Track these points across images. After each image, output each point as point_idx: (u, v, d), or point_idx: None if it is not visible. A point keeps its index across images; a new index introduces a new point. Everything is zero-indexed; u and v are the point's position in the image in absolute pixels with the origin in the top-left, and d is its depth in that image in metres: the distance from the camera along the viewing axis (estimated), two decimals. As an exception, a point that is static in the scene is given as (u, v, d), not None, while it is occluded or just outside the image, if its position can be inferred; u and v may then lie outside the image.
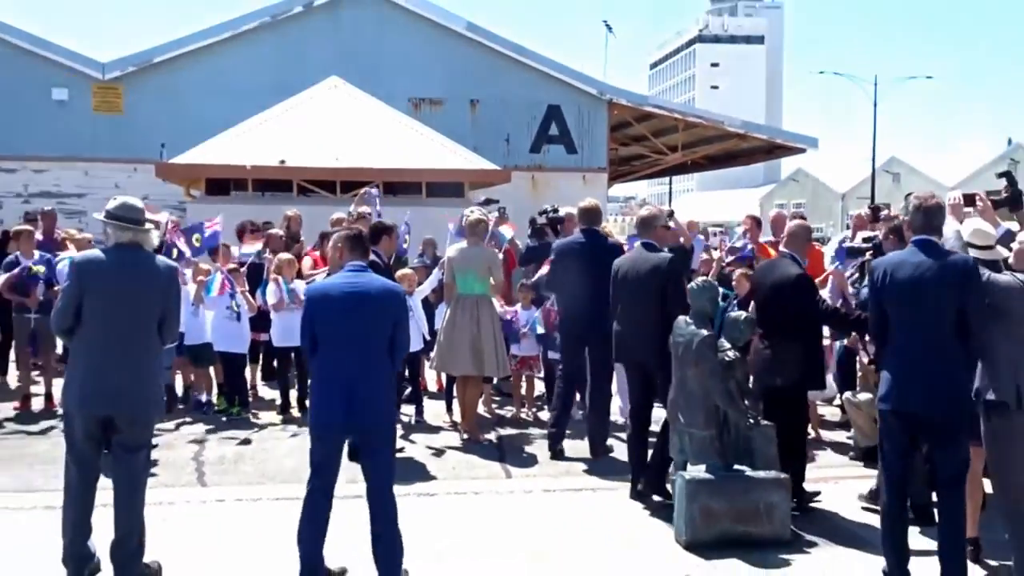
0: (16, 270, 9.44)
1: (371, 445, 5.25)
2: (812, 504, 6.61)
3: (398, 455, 7.73)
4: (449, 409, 9.48)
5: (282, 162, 16.57)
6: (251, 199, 16.64)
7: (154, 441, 8.30)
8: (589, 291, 7.65)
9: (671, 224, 8.73)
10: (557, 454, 8.02)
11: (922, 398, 5.02)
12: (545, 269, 9.01)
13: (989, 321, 5.02)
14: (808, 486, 6.64)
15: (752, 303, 7.39)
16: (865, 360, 7.97)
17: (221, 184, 17.21)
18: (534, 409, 9.78)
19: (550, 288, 8.85)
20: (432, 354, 9.04)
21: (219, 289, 9.36)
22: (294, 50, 23.96)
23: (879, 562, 5.33)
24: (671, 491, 6.36)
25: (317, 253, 10.25)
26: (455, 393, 9.18)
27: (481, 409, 9.52)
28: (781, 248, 7.29)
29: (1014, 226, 6.56)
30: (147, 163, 19.40)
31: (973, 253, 5.29)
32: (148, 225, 5.38)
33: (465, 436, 8.71)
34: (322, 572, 5.14)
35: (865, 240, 8.59)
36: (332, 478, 5.18)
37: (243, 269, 9.93)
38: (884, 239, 7.56)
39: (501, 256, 9.38)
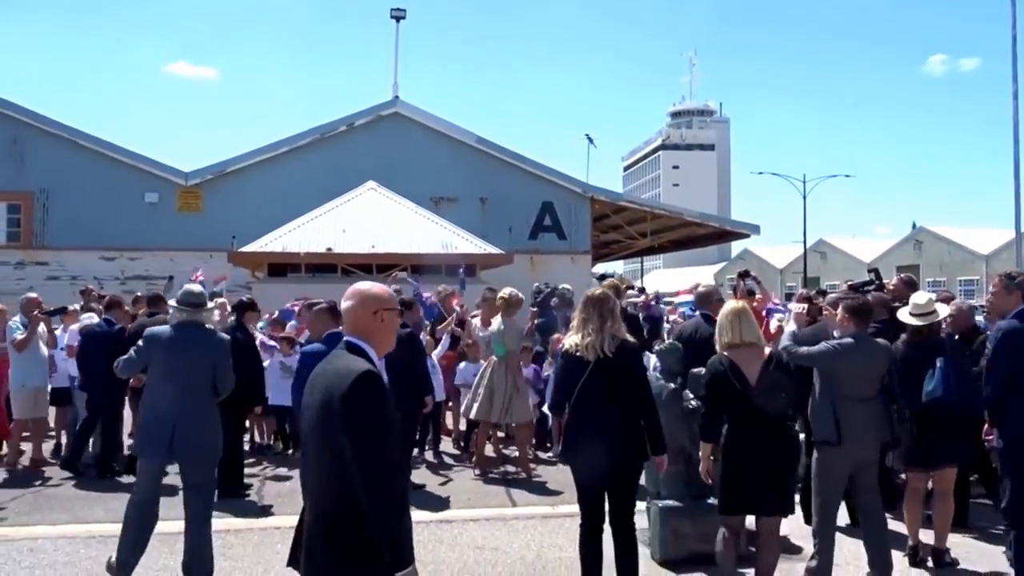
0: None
1: None
2: None
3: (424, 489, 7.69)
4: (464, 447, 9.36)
5: (329, 249, 16.68)
6: (304, 280, 16.71)
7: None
8: None
9: (750, 282, 8.59)
10: None
11: None
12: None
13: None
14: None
15: None
16: None
17: (280, 268, 17.31)
18: (534, 449, 9.67)
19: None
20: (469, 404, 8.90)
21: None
22: (339, 160, 24.29)
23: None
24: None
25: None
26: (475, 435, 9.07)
27: (489, 450, 9.40)
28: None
29: None
30: (221, 251, 19.55)
31: (914, 321, 5.70)
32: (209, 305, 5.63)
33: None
34: None
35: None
36: None
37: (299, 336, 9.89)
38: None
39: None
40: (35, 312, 8.82)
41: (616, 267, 45.09)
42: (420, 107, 26.53)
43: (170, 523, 6.78)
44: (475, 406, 8.66)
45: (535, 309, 10.32)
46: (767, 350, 4.98)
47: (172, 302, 5.68)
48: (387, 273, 15.16)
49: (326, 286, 13.74)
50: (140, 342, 5.54)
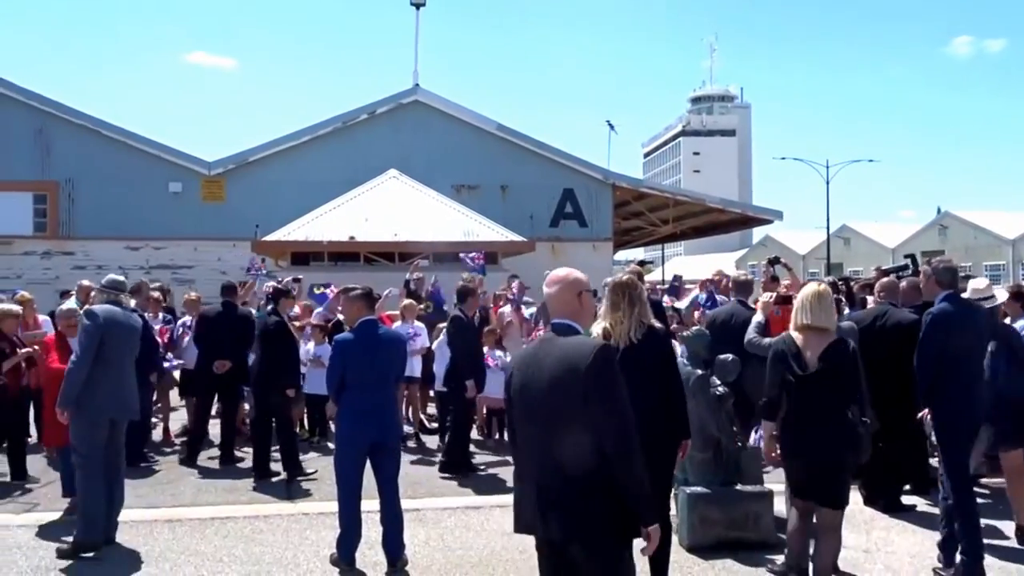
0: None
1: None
2: None
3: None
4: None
5: (351, 238, 16.72)
6: (326, 268, 16.78)
7: (249, 466, 8.41)
8: None
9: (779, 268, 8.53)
10: None
11: None
12: None
13: None
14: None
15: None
16: None
17: (303, 256, 17.38)
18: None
19: None
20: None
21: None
22: (360, 149, 24.31)
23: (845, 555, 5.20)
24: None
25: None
26: None
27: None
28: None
29: None
30: (244, 241, 19.65)
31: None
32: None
33: None
34: None
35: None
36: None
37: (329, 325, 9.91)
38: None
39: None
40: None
41: (637, 254, 44.89)
42: (440, 95, 26.50)
43: (201, 509, 6.88)
44: None
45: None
46: (833, 338, 4.80)
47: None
48: (409, 261, 15.18)
49: (349, 274, 13.77)
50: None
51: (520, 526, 3.27)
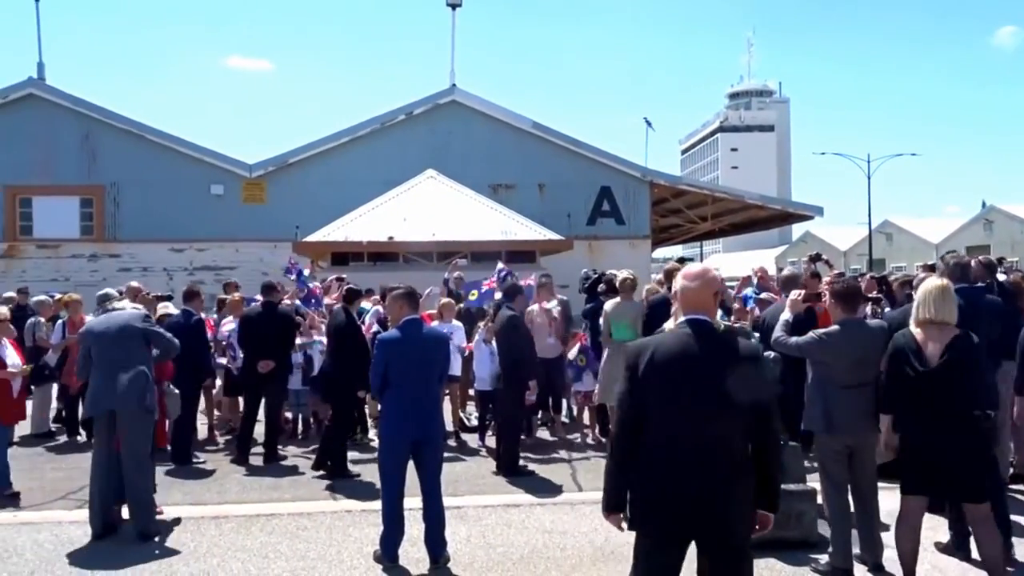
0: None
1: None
2: None
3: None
4: (605, 433, 9.18)
5: (390, 238, 16.84)
6: (366, 268, 16.91)
7: (293, 463, 8.52)
8: None
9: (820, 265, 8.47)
10: None
11: None
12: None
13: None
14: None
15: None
16: None
17: (342, 256, 17.54)
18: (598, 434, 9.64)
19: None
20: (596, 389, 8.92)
21: None
22: (398, 149, 24.45)
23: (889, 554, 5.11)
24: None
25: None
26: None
27: (549, 435, 9.39)
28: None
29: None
30: (285, 242, 19.87)
31: None
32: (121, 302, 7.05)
33: None
34: None
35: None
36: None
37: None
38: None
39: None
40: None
41: (675, 252, 44.60)
42: (477, 94, 26.55)
43: (246, 506, 6.98)
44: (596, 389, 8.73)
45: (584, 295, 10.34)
46: (956, 332, 4.69)
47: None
48: (448, 260, 15.25)
49: (388, 274, 13.90)
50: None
51: (658, 520, 3.25)
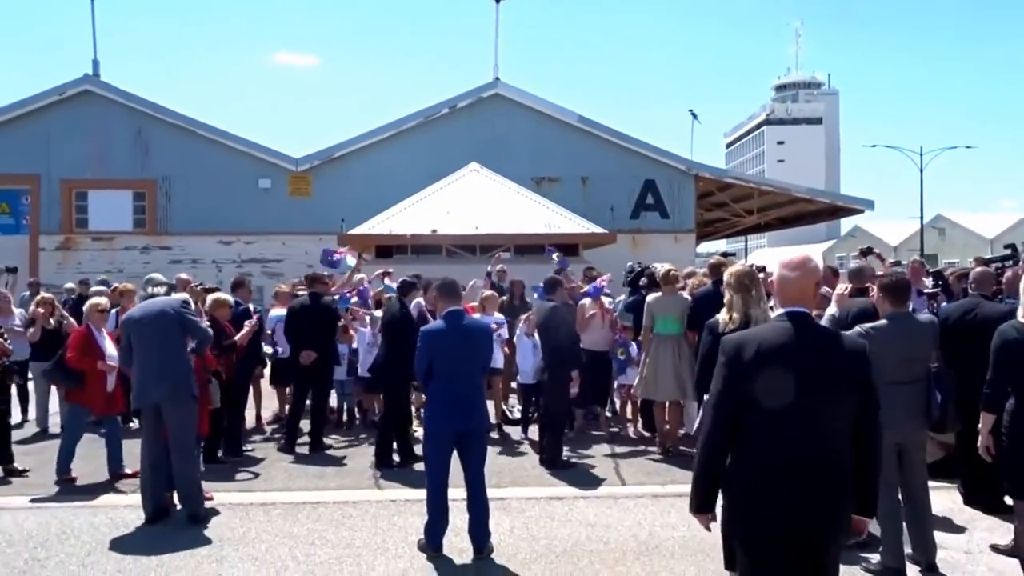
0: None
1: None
2: None
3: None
4: (648, 427, 9.30)
5: (434, 231, 16.90)
6: (410, 260, 16.98)
7: (338, 453, 8.62)
8: None
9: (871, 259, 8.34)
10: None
11: None
12: None
13: None
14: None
15: None
16: None
17: (386, 249, 17.66)
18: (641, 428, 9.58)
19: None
20: (636, 383, 8.85)
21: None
22: (442, 143, 24.49)
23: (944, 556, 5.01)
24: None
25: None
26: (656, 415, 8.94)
27: (599, 431, 9.38)
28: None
29: None
30: (330, 234, 20.03)
31: None
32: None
33: (669, 449, 8.42)
34: None
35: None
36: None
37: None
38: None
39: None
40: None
41: (719, 246, 44.14)
42: (521, 87, 26.48)
43: (293, 493, 7.09)
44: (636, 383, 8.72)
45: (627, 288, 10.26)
46: None
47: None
48: (491, 253, 15.28)
49: (431, 267, 13.98)
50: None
51: (765, 528, 3.01)
